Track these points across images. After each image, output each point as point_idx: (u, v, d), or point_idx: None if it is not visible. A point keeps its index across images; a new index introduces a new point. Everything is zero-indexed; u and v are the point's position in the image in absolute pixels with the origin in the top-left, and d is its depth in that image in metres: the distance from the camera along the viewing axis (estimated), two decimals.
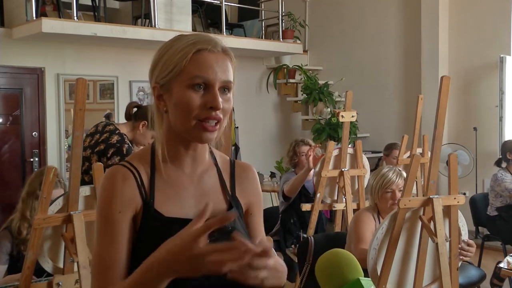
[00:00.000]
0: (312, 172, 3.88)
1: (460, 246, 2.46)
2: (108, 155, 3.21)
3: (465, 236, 2.54)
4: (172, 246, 1.02)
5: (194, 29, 6.82)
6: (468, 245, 2.51)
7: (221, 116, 1.17)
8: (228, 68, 1.20)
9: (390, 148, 4.83)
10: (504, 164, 4.97)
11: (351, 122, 4.03)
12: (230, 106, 1.20)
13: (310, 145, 4.24)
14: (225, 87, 1.19)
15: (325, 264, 1.17)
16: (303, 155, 4.18)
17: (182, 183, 1.24)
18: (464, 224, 2.54)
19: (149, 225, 1.18)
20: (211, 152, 1.31)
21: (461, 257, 2.49)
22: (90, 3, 6.02)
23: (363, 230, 2.75)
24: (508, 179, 4.79)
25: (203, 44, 1.17)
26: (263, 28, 7.86)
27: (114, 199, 1.17)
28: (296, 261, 3.31)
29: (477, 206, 5.02)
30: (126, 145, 3.24)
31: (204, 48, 1.17)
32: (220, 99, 1.16)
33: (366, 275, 2.33)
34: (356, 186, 3.91)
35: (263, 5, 7.87)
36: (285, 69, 7.62)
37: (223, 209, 1.26)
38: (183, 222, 1.18)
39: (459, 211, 2.50)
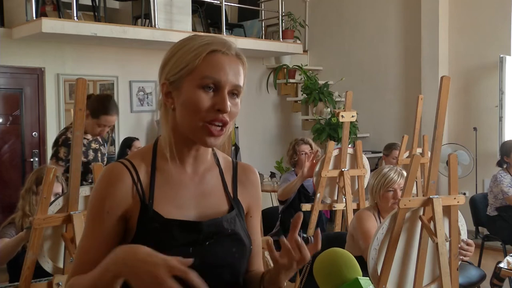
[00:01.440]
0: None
1: (459, 245, 2.46)
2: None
3: (464, 235, 2.54)
4: (148, 254, 1.04)
5: (194, 29, 6.82)
6: (468, 244, 2.51)
7: (228, 119, 1.17)
8: (240, 72, 1.19)
9: (390, 148, 4.83)
10: (505, 165, 4.96)
11: (351, 122, 4.03)
12: (237, 110, 1.20)
13: (310, 144, 4.24)
14: (234, 92, 1.19)
15: (323, 263, 1.17)
16: (302, 153, 4.18)
17: (183, 182, 1.23)
18: (463, 224, 2.54)
19: (147, 225, 1.17)
20: (214, 153, 1.31)
21: (460, 257, 2.49)
22: (90, 3, 6.02)
23: (368, 226, 2.76)
24: (506, 182, 4.77)
25: (218, 46, 1.17)
26: (263, 28, 7.86)
27: (103, 199, 1.18)
28: None
29: (477, 206, 5.02)
30: (63, 136, 3.46)
31: (219, 49, 1.16)
32: (228, 103, 1.16)
33: (366, 274, 2.33)
34: (356, 186, 3.91)
35: (263, 5, 7.86)
36: (285, 69, 7.62)
37: (224, 210, 1.26)
38: (182, 224, 1.18)
39: (458, 211, 2.50)
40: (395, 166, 3.12)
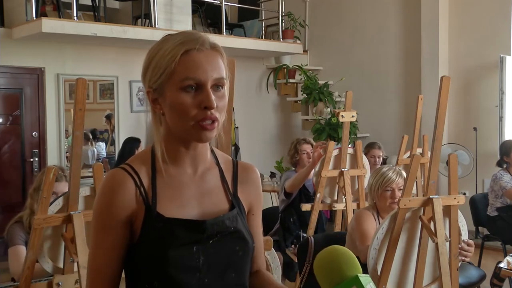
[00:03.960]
0: (312, 171, 3.89)
1: (460, 246, 2.46)
2: None
3: (465, 236, 2.54)
4: None
5: (194, 29, 6.82)
6: (468, 245, 2.51)
7: (217, 115, 1.16)
8: (219, 64, 1.18)
9: (368, 146, 4.83)
10: (505, 165, 4.97)
11: (351, 122, 4.03)
12: (225, 102, 1.19)
13: (312, 144, 4.24)
14: (218, 84, 1.17)
15: (323, 260, 1.17)
16: (304, 153, 4.19)
17: (183, 183, 1.23)
18: (464, 224, 2.54)
19: (152, 227, 1.18)
20: (212, 152, 1.31)
21: (461, 257, 2.48)
22: (90, 3, 6.02)
23: (366, 227, 2.75)
24: (506, 179, 4.78)
25: (191, 44, 1.16)
26: (263, 28, 7.86)
27: (109, 206, 1.18)
28: (296, 261, 3.31)
29: (477, 206, 5.02)
30: None
31: (192, 47, 1.15)
32: (213, 98, 1.15)
33: (365, 272, 2.33)
34: (356, 186, 3.91)
35: (263, 5, 7.86)
36: (285, 69, 7.62)
37: (225, 209, 1.26)
38: (185, 223, 1.19)
39: (459, 210, 2.50)
40: (394, 166, 3.12)
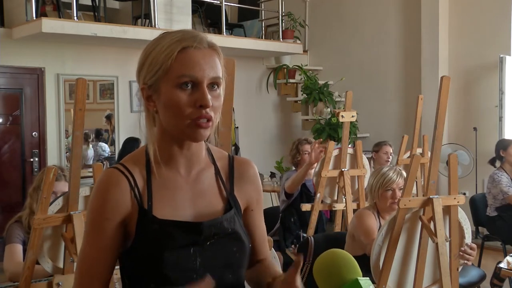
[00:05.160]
0: (312, 171, 3.89)
1: (463, 249, 2.46)
2: None
3: (468, 239, 2.53)
4: None
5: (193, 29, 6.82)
6: (471, 248, 2.50)
7: (212, 114, 1.14)
8: (216, 63, 1.17)
9: (379, 144, 4.85)
10: (498, 163, 4.94)
11: (351, 122, 4.03)
12: (221, 102, 1.18)
13: None
14: (214, 83, 1.16)
15: (323, 264, 1.17)
16: (306, 153, 4.19)
17: (177, 185, 1.22)
18: (468, 227, 2.54)
19: (147, 228, 1.17)
20: (208, 150, 1.28)
21: (464, 261, 2.48)
22: (90, 3, 6.02)
23: (369, 223, 2.75)
24: (504, 181, 4.74)
25: (188, 42, 1.14)
26: (263, 28, 7.86)
27: (103, 206, 1.17)
28: None
29: (477, 206, 5.01)
30: None
31: (190, 45, 1.14)
32: (209, 97, 1.13)
33: (367, 273, 2.33)
34: (356, 186, 3.91)
35: (263, 5, 7.87)
36: (285, 69, 7.62)
37: (221, 209, 1.24)
38: (181, 225, 1.18)
39: (464, 213, 2.50)
40: (395, 166, 3.12)
